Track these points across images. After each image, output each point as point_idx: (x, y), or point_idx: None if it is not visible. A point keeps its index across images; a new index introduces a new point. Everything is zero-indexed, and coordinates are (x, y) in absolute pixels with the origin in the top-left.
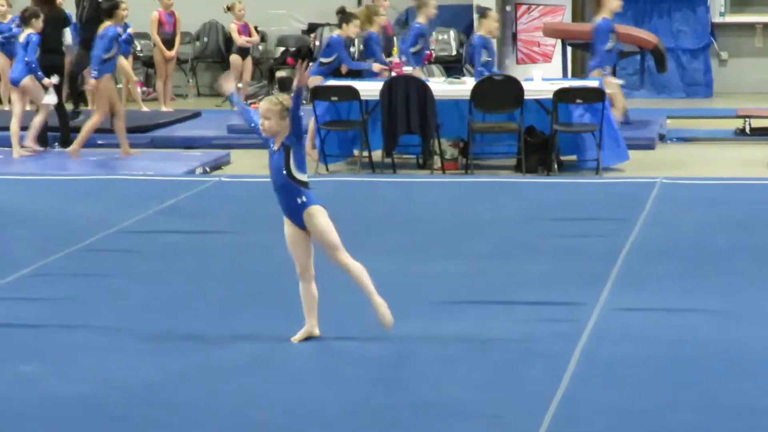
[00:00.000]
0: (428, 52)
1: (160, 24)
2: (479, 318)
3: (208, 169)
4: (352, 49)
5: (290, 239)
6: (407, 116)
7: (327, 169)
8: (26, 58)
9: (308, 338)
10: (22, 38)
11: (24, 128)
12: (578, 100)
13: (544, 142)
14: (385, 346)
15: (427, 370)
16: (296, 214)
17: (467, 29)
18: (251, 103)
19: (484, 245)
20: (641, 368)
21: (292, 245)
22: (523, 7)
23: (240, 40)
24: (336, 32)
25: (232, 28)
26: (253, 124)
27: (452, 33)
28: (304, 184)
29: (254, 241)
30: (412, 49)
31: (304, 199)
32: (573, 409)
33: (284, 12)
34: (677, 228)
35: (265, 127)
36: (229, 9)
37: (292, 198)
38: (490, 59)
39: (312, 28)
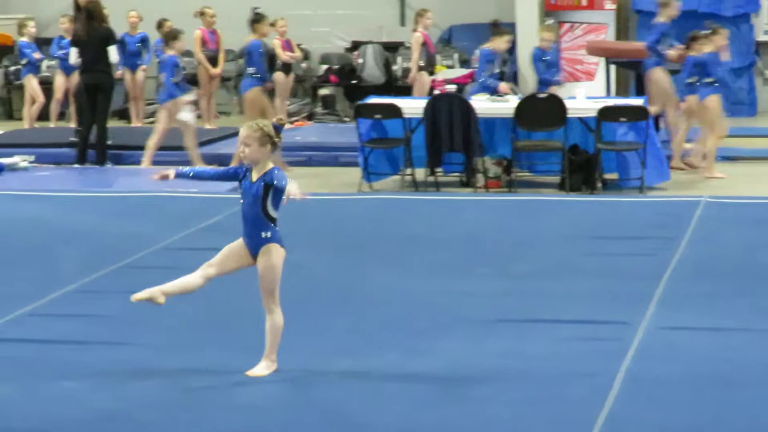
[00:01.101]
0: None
1: (204, 42)
2: (522, 337)
3: None
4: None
5: (230, 251)
6: (450, 134)
7: (371, 187)
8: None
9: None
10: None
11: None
12: (622, 119)
13: (587, 160)
14: (429, 364)
15: (469, 388)
16: (255, 244)
17: (510, 47)
18: (294, 121)
19: (527, 264)
20: (686, 387)
21: (226, 255)
22: (567, 26)
23: (284, 56)
24: (486, 45)
25: (276, 44)
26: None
27: None
28: (274, 220)
29: (295, 258)
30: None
31: (269, 234)
32: (617, 429)
33: (327, 30)
34: (722, 247)
35: (246, 153)
36: (272, 25)
37: (257, 230)
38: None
39: (355, 46)
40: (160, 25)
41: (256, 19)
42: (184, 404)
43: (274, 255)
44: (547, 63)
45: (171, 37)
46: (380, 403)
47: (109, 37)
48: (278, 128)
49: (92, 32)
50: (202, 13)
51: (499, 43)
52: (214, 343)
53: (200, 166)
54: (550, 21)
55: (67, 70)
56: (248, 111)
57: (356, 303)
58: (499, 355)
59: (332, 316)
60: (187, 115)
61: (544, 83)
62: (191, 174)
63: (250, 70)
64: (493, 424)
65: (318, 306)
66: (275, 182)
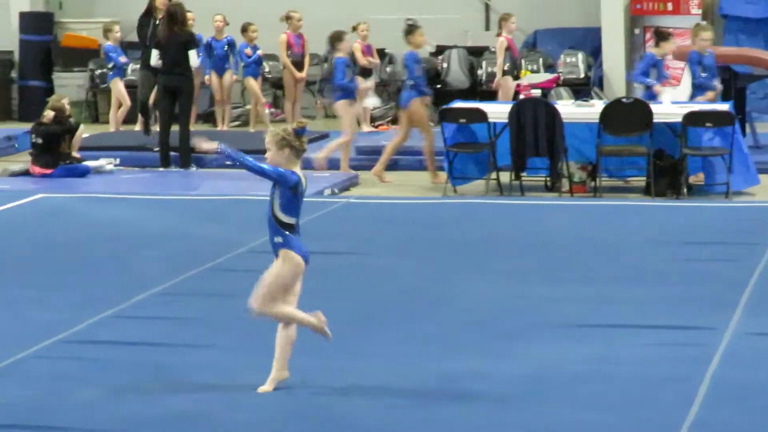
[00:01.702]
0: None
1: (289, 46)
2: (607, 342)
3: (336, 191)
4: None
5: None
6: (535, 138)
7: (455, 191)
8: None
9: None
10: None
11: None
12: (708, 124)
13: (673, 165)
14: (514, 368)
15: (555, 392)
16: (273, 250)
17: (595, 52)
18: (378, 125)
19: (612, 269)
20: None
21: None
22: (652, 31)
23: (363, 60)
24: (651, 50)
25: (356, 47)
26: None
27: (580, 56)
28: (286, 226)
29: (382, 264)
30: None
31: (280, 239)
32: None
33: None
34: None
35: (267, 158)
36: (354, 29)
37: (271, 234)
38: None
39: (440, 50)
40: (244, 29)
41: (410, 30)
42: (266, 406)
43: (283, 263)
44: (704, 66)
45: (336, 39)
46: (465, 405)
47: (190, 41)
48: (299, 132)
49: (173, 36)
50: (288, 18)
51: (666, 48)
52: (297, 346)
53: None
54: (703, 23)
55: (220, 70)
56: (407, 123)
57: (443, 308)
58: (584, 360)
59: (418, 321)
60: (371, 101)
61: (700, 88)
62: (238, 158)
63: (409, 82)
64: (579, 428)
65: (405, 311)
66: (281, 185)
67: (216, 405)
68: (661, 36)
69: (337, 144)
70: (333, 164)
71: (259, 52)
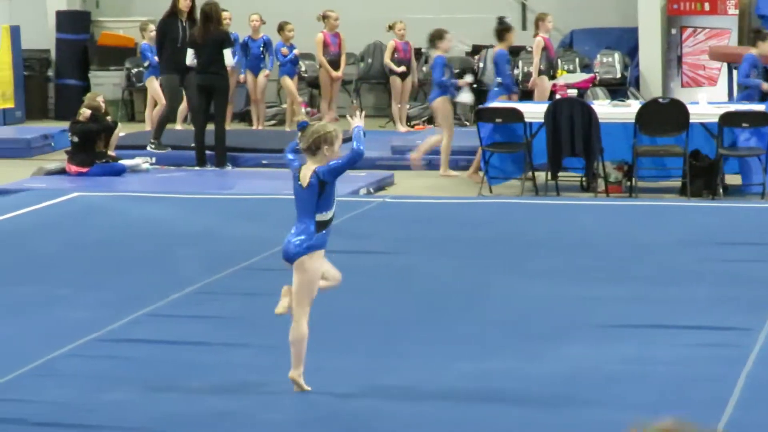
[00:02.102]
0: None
1: (326, 45)
2: (642, 342)
3: (372, 190)
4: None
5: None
6: (572, 139)
7: (491, 191)
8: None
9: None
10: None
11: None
12: (744, 124)
13: (709, 165)
14: (549, 368)
15: (591, 391)
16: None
17: (632, 52)
18: (414, 124)
19: (647, 269)
20: None
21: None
22: (689, 30)
23: (389, 61)
24: (753, 51)
25: (390, 46)
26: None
27: (617, 56)
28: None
29: (417, 263)
30: None
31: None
32: None
33: (449, 33)
34: None
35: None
36: (390, 28)
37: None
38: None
39: (476, 49)
40: (281, 28)
41: (505, 28)
42: (304, 404)
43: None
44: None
45: (437, 36)
46: (499, 406)
47: (225, 40)
48: (299, 126)
49: (208, 35)
50: (324, 17)
51: (765, 49)
52: (332, 346)
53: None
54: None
55: (255, 70)
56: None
57: (477, 308)
58: (619, 360)
59: (454, 321)
60: (465, 96)
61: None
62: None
63: (498, 79)
64: (613, 428)
65: (440, 311)
66: None
67: (251, 404)
68: (760, 36)
69: (436, 141)
70: (366, 164)
71: (295, 51)
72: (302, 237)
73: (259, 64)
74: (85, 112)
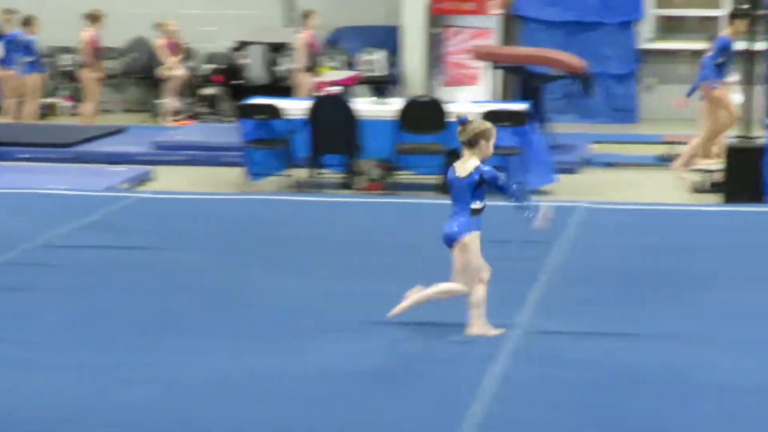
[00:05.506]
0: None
1: (92, 43)
2: (402, 337)
3: (131, 185)
4: None
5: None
6: (333, 135)
7: (253, 187)
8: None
9: None
10: None
11: None
12: (504, 123)
13: None
14: (310, 365)
15: (351, 388)
16: None
17: (395, 50)
18: (177, 120)
19: (408, 266)
20: (557, 390)
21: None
22: (452, 30)
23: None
24: (726, 32)
25: (161, 44)
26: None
27: (381, 54)
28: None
29: (175, 258)
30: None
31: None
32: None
33: (215, 29)
34: (597, 252)
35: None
36: (160, 26)
37: None
38: None
39: (241, 46)
40: (27, 22)
41: (739, 14)
42: (63, 401)
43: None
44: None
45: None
46: (264, 403)
47: None
48: (461, 121)
49: None
50: (92, 16)
51: (741, 26)
52: (93, 339)
53: None
54: None
55: None
56: None
57: (239, 304)
58: (380, 357)
59: (214, 317)
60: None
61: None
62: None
63: None
64: (371, 424)
65: (201, 307)
66: None
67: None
68: (737, 14)
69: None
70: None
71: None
72: (461, 220)
73: (10, 59)
74: None
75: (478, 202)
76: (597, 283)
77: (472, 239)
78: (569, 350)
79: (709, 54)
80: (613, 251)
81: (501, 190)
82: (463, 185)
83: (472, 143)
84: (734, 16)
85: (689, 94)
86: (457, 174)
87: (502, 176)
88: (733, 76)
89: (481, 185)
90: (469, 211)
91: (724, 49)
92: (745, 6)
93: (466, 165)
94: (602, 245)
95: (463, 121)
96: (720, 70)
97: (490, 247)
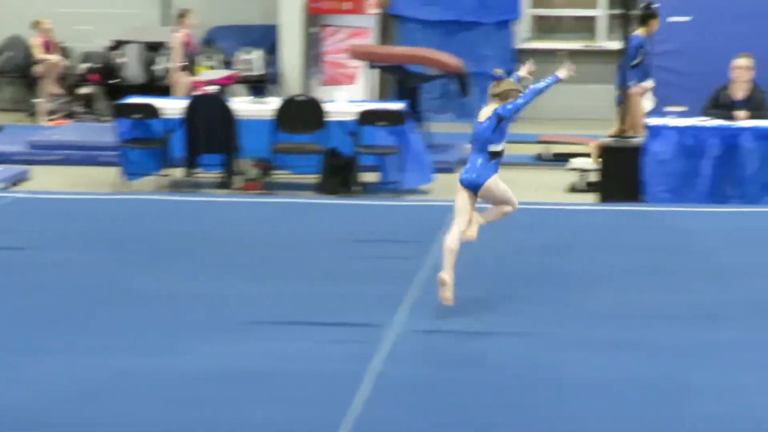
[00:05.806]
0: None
1: None
2: (279, 338)
3: (7, 185)
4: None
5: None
6: (210, 135)
7: (129, 187)
8: None
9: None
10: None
11: None
12: (381, 123)
13: (346, 163)
14: (189, 365)
15: (226, 388)
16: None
17: (273, 49)
18: (52, 119)
19: (283, 267)
20: (433, 390)
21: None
22: (329, 29)
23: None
24: (639, 31)
25: (36, 42)
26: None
27: (258, 53)
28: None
29: (51, 259)
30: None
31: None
32: (363, 430)
33: (91, 28)
34: (475, 251)
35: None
36: (36, 25)
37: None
38: None
39: (117, 45)
40: None
41: (650, 14)
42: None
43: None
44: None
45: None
46: (141, 403)
47: None
48: (498, 77)
49: None
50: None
51: (655, 26)
52: None
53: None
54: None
55: None
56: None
57: (117, 305)
58: (256, 356)
59: (91, 317)
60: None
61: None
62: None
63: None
64: (247, 424)
65: (79, 308)
66: None
67: None
68: (650, 13)
69: None
70: None
71: None
72: (479, 167)
73: None
74: None
75: (496, 145)
76: (475, 283)
77: (495, 181)
78: (446, 349)
79: (624, 57)
80: (492, 250)
81: (524, 104)
82: (483, 128)
83: (502, 97)
84: (648, 16)
85: (619, 103)
86: (478, 120)
87: (519, 100)
88: (649, 82)
89: (500, 124)
90: (488, 155)
91: (639, 48)
92: (645, 5)
93: (487, 112)
94: (480, 244)
95: (499, 77)
96: (638, 70)
97: (366, 247)
